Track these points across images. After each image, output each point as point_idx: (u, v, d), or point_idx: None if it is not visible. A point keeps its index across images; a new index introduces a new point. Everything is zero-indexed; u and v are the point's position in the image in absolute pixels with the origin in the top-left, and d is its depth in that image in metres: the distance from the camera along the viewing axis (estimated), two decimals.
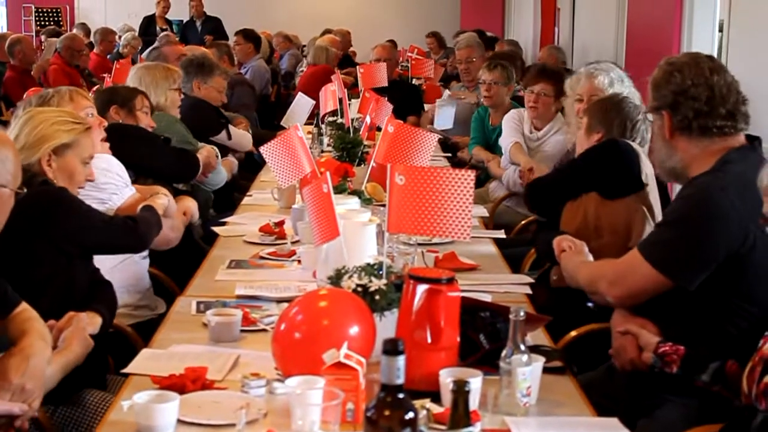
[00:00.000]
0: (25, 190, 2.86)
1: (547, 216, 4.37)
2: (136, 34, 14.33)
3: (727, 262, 2.90)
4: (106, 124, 4.09)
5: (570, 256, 3.52)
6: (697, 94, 3.02)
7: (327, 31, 13.69)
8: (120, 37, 13.49)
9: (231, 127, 6.60)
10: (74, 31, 14.18)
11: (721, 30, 6.57)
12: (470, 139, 7.12)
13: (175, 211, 4.08)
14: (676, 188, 3.90)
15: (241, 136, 6.74)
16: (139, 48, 13.48)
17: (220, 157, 5.76)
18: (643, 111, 4.01)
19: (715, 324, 2.94)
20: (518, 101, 6.87)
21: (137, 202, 3.87)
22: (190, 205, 4.32)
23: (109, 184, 3.84)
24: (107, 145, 4.02)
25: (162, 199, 3.95)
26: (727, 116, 3.02)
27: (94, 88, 6.59)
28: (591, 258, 3.49)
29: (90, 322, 3.05)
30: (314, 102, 7.45)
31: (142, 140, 4.74)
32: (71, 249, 3.27)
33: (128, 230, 3.53)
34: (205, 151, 5.55)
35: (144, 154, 4.63)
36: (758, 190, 2.66)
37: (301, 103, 7.58)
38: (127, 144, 4.24)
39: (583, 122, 4.23)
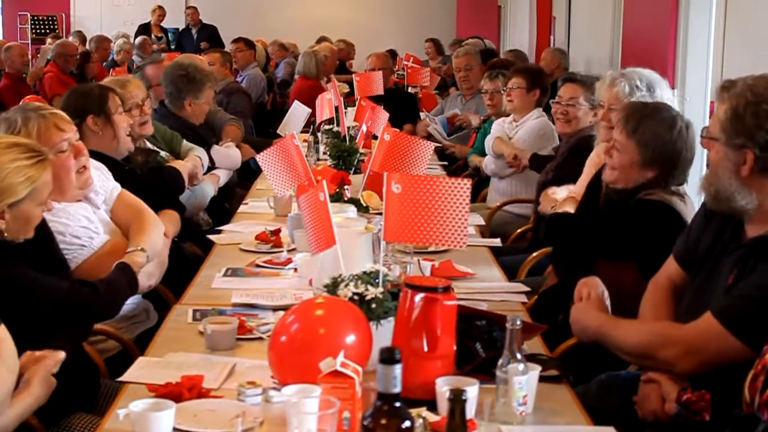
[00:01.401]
0: None
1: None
2: (131, 41, 14.35)
3: None
4: (85, 152, 3.67)
5: (588, 309, 3.29)
6: None
7: (323, 39, 13.70)
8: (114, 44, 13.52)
9: (214, 150, 6.21)
10: (70, 39, 14.20)
11: None
12: (471, 147, 7.24)
13: (157, 255, 3.81)
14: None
15: (225, 156, 6.32)
16: (134, 53, 13.51)
17: (206, 166, 5.60)
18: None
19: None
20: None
21: (110, 256, 3.57)
22: (173, 220, 4.26)
23: (62, 249, 3.43)
24: (86, 175, 3.68)
25: (140, 257, 3.61)
26: None
27: None
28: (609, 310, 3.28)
29: (52, 359, 2.79)
30: (310, 110, 7.43)
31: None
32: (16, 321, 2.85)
33: (86, 304, 3.19)
34: (190, 162, 5.38)
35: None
36: None
37: (298, 111, 7.57)
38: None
39: (624, 144, 3.65)
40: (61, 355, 2.82)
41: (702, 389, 2.75)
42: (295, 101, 8.02)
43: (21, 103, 4.54)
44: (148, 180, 4.70)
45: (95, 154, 4.07)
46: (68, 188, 3.56)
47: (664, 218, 3.56)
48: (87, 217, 3.66)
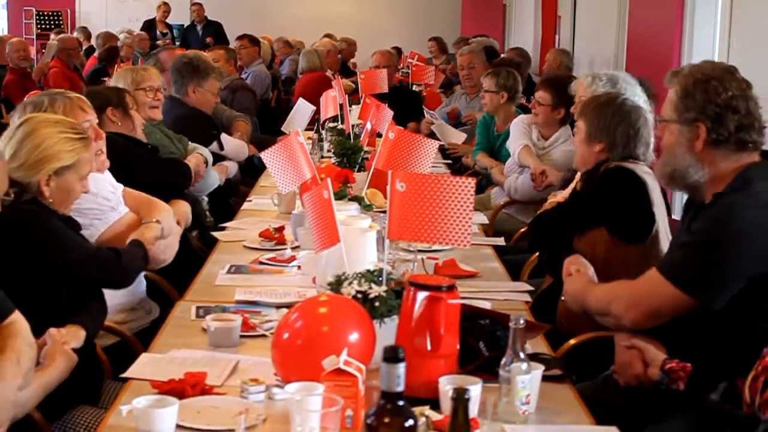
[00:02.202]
0: (12, 198, 2.81)
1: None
2: (133, 35, 14.35)
3: (753, 282, 2.85)
4: (104, 136, 3.87)
5: (576, 278, 3.47)
6: (738, 107, 2.91)
7: (327, 36, 13.71)
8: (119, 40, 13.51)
9: (224, 137, 6.41)
10: (75, 34, 14.23)
11: None
12: (475, 145, 7.12)
13: (171, 232, 3.90)
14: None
15: (235, 146, 6.54)
16: (136, 49, 13.50)
17: (210, 164, 5.63)
18: (645, 113, 3.93)
19: (729, 342, 2.89)
20: (523, 110, 6.86)
21: (128, 229, 3.72)
22: (185, 210, 4.30)
23: (92, 210, 3.68)
24: (102, 158, 3.83)
25: (153, 231, 3.73)
26: (760, 130, 2.95)
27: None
28: (596, 280, 3.44)
29: (73, 335, 3.00)
30: (314, 108, 7.43)
31: (132, 157, 4.57)
32: (49, 277, 3.17)
33: (111, 265, 3.37)
34: (194, 159, 5.42)
35: (135, 171, 4.38)
36: None
37: (302, 109, 7.57)
38: (118, 162, 4.02)
39: (579, 127, 4.02)
40: (81, 333, 3.05)
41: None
42: (300, 99, 8.02)
43: (27, 97, 4.62)
44: (165, 165, 5.00)
45: (119, 135, 4.52)
46: None
47: (620, 179, 3.80)
48: (113, 184, 3.85)
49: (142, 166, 4.60)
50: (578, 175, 4.13)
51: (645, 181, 3.78)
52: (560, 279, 3.59)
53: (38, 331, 2.85)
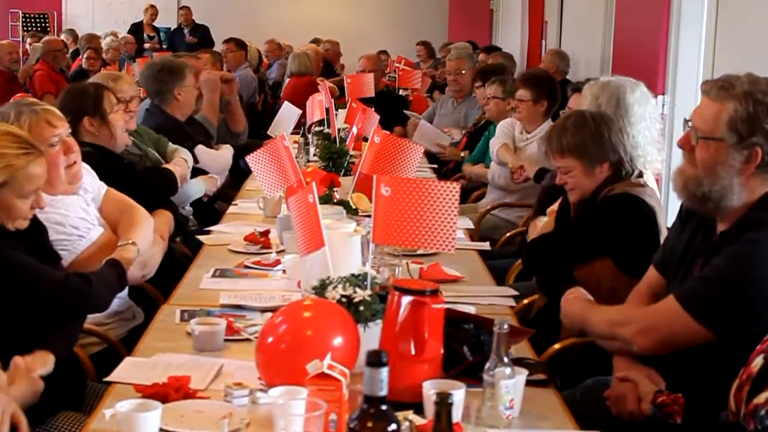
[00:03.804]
0: None
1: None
2: (119, 38, 14.33)
3: None
4: (75, 149, 3.68)
5: (574, 300, 3.34)
6: None
7: (316, 41, 13.72)
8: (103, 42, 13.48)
9: (200, 149, 5.99)
10: (62, 37, 14.19)
11: None
12: (468, 156, 7.18)
13: (149, 246, 3.81)
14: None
15: (213, 159, 6.15)
16: (123, 52, 13.48)
17: (190, 166, 5.49)
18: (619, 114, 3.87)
19: (728, 369, 2.73)
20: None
21: (101, 251, 3.60)
22: (168, 220, 4.26)
23: (60, 240, 3.51)
24: (74, 170, 3.67)
25: (129, 252, 3.61)
26: None
27: None
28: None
29: (40, 361, 2.89)
30: (300, 111, 7.43)
31: (109, 175, 4.19)
32: (13, 309, 3.01)
33: (82, 293, 3.18)
34: (179, 168, 5.25)
35: (116, 187, 4.16)
36: None
37: (287, 112, 7.56)
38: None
39: (571, 165, 3.79)
40: (49, 358, 2.92)
41: (679, 393, 2.76)
42: (286, 102, 8.02)
43: (12, 99, 4.55)
44: (145, 178, 4.83)
45: (95, 147, 4.34)
46: (57, 182, 3.58)
47: (627, 208, 3.67)
48: (84, 209, 3.71)
49: (120, 183, 4.25)
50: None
51: (653, 207, 3.67)
52: (556, 300, 3.49)
53: (4, 359, 2.79)
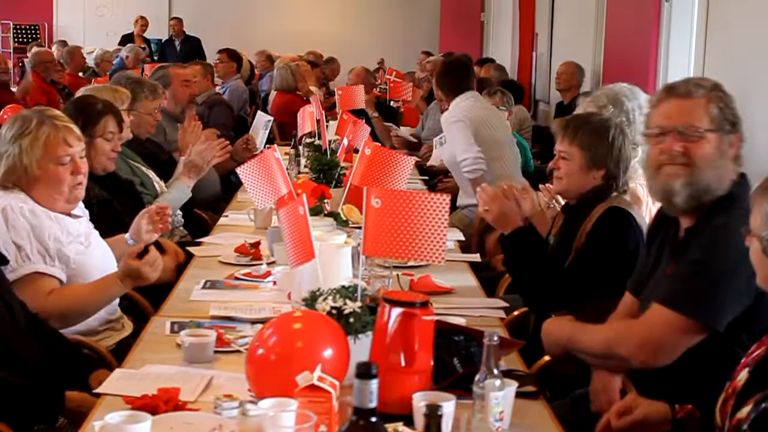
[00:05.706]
0: None
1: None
2: (110, 50, 14.33)
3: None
4: (83, 171, 3.69)
5: (559, 320, 3.35)
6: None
7: (309, 54, 13.72)
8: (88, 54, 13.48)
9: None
10: (53, 48, 14.17)
11: None
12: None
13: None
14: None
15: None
16: (114, 62, 13.48)
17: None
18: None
19: (715, 362, 2.81)
20: None
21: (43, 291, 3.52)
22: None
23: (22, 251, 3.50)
24: (75, 193, 3.68)
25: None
26: None
27: None
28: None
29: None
30: (272, 118, 7.39)
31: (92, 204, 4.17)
32: None
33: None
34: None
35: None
36: None
37: (259, 122, 7.41)
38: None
39: (571, 154, 3.76)
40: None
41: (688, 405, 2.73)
42: (258, 112, 7.98)
43: (6, 110, 4.49)
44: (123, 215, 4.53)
45: None
46: (58, 198, 3.63)
47: (620, 224, 3.64)
48: (57, 238, 3.58)
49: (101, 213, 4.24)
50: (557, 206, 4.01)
51: (642, 229, 3.61)
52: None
53: None
